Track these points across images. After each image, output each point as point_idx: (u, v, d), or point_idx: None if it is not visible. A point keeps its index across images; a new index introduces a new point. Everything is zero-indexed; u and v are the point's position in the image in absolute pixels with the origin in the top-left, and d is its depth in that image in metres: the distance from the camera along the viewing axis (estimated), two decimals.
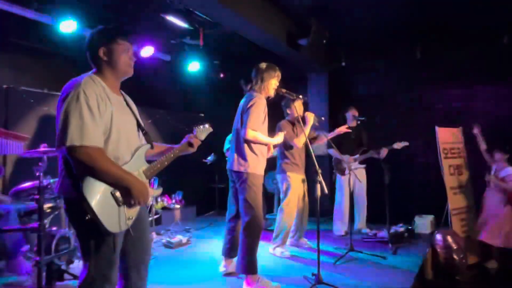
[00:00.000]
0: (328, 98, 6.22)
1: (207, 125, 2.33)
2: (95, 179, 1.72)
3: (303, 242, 4.25)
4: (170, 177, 6.03)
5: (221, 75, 6.36)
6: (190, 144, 2.21)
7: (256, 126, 3.00)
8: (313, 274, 2.94)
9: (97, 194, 1.71)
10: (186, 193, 6.12)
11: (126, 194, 1.80)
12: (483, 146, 4.45)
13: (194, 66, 5.79)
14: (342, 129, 4.27)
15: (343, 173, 4.67)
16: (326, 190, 2.83)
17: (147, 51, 5.00)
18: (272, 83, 3.15)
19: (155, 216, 4.74)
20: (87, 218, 1.69)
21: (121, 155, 1.85)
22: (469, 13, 4.72)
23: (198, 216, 6.17)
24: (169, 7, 4.04)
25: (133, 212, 1.88)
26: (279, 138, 3.19)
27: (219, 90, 6.67)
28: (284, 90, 3.19)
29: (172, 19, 4.20)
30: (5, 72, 4.28)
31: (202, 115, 6.80)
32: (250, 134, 2.97)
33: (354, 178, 4.78)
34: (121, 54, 1.89)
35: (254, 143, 3.02)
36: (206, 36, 5.26)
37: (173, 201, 5.92)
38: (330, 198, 5.13)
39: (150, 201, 1.85)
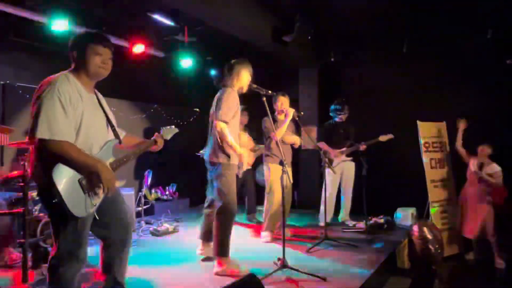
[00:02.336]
0: (318, 92, 6.35)
1: (173, 126, 2.63)
2: (65, 167, 1.91)
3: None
4: (165, 170, 6.27)
5: None
6: (155, 142, 2.47)
7: (227, 118, 3.12)
8: (278, 259, 3.10)
9: (65, 181, 1.90)
10: (180, 185, 6.33)
11: (96, 180, 1.97)
12: (459, 142, 4.52)
13: (187, 63, 5.93)
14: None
15: (330, 165, 4.83)
16: (291, 180, 2.99)
17: (138, 48, 5.19)
18: (244, 77, 3.28)
19: (145, 207, 4.96)
20: (54, 201, 1.88)
21: (89, 148, 2.05)
22: (454, 8, 4.78)
23: (191, 207, 6.38)
24: (154, 6, 4.21)
25: (97, 199, 2.08)
26: (242, 152, 3.16)
27: (213, 86, 6.84)
28: (255, 86, 3.32)
29: (158, 17, 4.38)
30: (3, 68, 4.52)
31: (197, 110, 6.99)
32: (218, 126, 3.09)
33: (341, 170, 4.95)
34: (91, 56, 2.06)
35: (220, 137, 3.10)
36: (199, 33, 5.41)
37: (167, 192, 6.14)
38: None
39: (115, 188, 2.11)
